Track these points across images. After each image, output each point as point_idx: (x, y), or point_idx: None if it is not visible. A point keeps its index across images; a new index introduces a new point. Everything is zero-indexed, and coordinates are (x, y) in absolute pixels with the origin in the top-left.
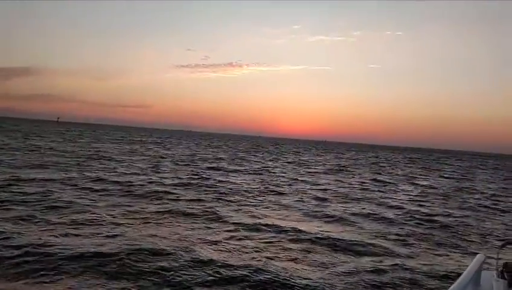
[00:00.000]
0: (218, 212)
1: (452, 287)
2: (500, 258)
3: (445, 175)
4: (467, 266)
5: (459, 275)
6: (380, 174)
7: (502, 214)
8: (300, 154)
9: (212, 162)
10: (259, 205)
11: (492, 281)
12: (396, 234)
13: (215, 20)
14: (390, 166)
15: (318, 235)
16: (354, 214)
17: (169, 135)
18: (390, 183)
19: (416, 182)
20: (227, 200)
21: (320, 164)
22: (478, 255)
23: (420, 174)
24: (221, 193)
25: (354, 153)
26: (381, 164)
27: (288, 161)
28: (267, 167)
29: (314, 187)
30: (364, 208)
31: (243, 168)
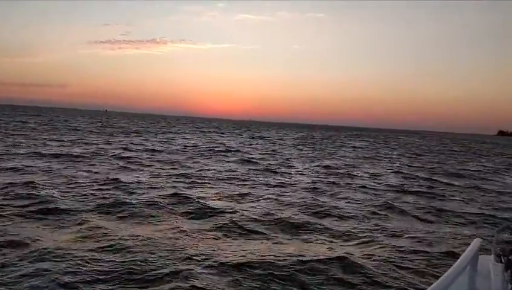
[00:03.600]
0: None
1: (449, 271)
2: (497, 242)
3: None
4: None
5: (456, 260)
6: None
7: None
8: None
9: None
10: None
11: (489, 265)
12: None
13: None
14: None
15: None
16: None
17: (84, 115)
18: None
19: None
20: None
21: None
22: (475, 239)
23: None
24: None
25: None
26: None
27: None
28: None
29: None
30: None
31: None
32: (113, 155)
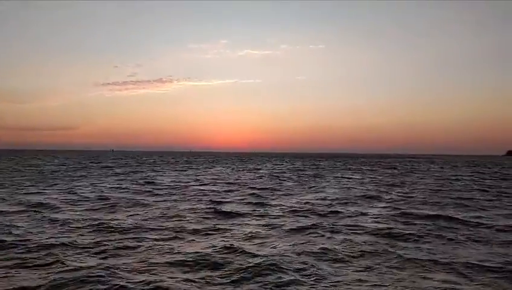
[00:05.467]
0: None
1: None
2: None
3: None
4: None
5: None
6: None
7: None
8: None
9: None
10: None
11: None
12: None
13: (140, 36)
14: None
15: None
16: None
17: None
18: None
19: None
20: None
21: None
22: None
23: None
24: None
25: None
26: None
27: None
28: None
29: None
30: None
31: None
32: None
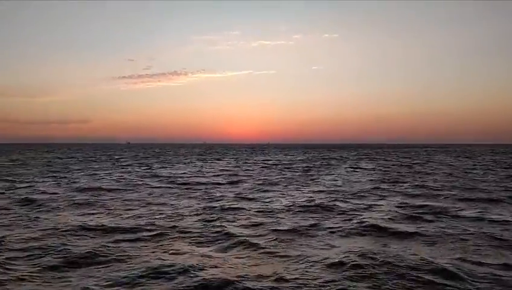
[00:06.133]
0: None
1: None
2: None
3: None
4: None
5: None
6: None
7: None
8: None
9: None
10: None
11: None
12: None
13: (152, 29)
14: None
15: None
16: None
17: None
18: None
19: None
20: None
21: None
22: None
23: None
24: None
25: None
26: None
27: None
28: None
29: None
30: None
31: None
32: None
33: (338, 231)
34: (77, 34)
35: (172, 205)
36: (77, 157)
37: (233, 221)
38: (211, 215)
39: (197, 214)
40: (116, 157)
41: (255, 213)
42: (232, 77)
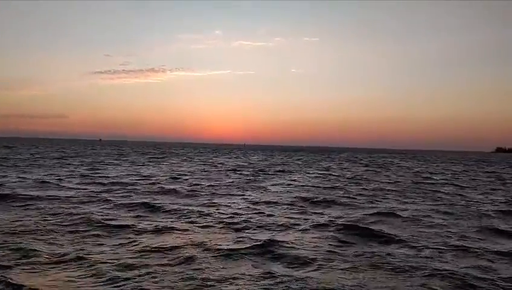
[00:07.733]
0: None
1: None
2: None
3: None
4: None
5: None
6: None
7: None
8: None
9: None
10: None
11: None
12: None
13: (132, 25)
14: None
15: None
16: None
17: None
18: None
19: None
20: None
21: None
22: None
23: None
24: None
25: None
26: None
27: None
28: None
29: None
30: None
31: None
32: None
33: None
34: (54, 28)
35: None
36: (32, 154)
37: None
38: None
39: None
40: (64, 155)
41: None
42: (211, 76)
